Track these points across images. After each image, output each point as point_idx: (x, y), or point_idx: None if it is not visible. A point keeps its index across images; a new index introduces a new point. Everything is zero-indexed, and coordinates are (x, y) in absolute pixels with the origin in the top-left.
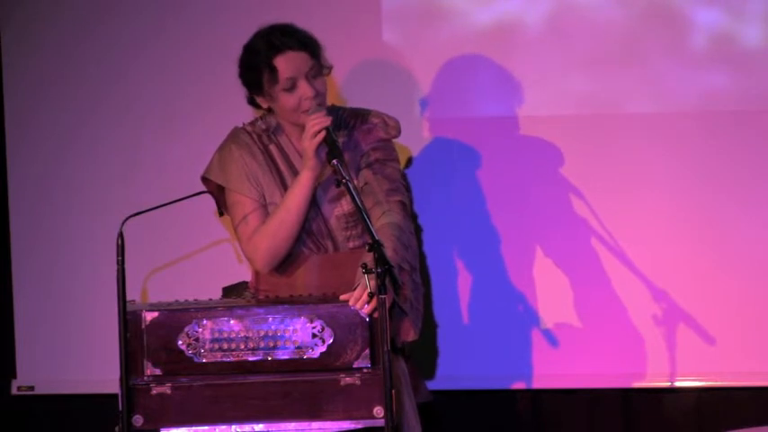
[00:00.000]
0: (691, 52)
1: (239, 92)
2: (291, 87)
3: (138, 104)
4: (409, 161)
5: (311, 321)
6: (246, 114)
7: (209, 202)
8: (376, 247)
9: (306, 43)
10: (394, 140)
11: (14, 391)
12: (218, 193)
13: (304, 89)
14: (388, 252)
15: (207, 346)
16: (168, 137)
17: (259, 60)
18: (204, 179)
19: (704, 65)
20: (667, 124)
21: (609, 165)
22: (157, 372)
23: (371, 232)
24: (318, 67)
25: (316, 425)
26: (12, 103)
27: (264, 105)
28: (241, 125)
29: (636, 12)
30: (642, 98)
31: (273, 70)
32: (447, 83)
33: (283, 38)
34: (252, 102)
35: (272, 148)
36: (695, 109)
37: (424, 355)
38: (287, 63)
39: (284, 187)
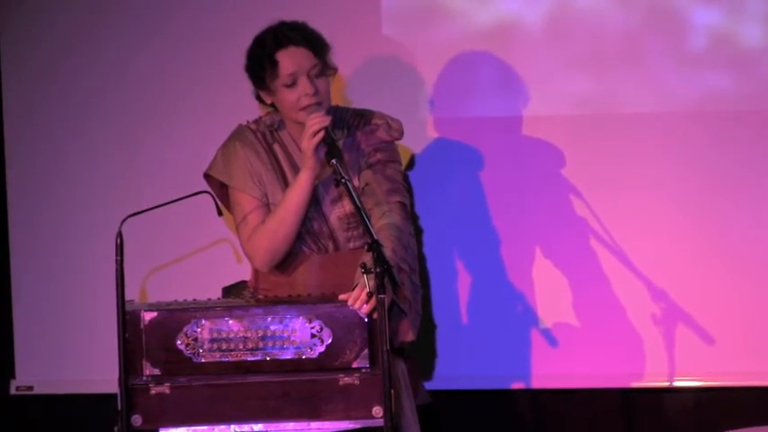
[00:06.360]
0: (691, 52)
1: (239, 92)
2: (292, 83)
3: (138, 104)
4: (412, 162)
5: (310, 321)
6: (247, 115)
7: (208, 201)
8: (375, 246)
9: (311, 41)
10: (396, 142)
11: (13, 391)
12: (221, 191)
13: (304, 86)
14: (387, 252)
15: (206, 346)
16: (168, 136)
17: (263, 53)
18: (207, 176)
19: (704, 65)
20: (667, 124)
21: (609, 165)
22: (156, 372)
23: (370, 232)
24: (322, 67)
25: (314, 425)
26: (11, 103)
27: (267, 101)
28: (245, 123)
29: (636, 12)
30: (642, 98)
31: (275, 64)
32: (447, 83)
33: (289, 33)
34: (258, 97)
35: (276, 147)
36: (695, 109)
37: (423, 355)
38: (289, 58)
39: (286, 187)
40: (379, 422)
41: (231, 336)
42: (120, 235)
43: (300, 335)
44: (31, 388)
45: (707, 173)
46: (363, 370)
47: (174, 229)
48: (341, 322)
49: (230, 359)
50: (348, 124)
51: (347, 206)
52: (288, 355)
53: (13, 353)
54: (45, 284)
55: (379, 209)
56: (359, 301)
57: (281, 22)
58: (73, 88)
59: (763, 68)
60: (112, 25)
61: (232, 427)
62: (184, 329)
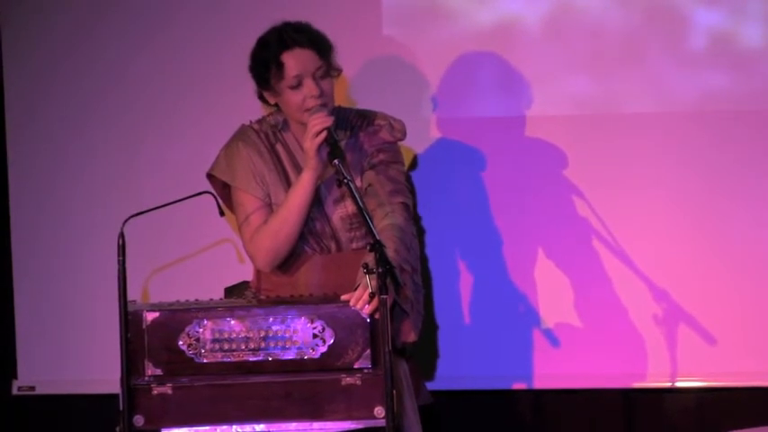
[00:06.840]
0: (691, 52)
1: (239, 92)
2: (297, 85)
3: (138, 104)
4: (415, 162)
5: (312, 322)
6: (248, 115)
7: (210, 201)
8: (377, 247)
9: (316, 42)
10: (399, 143)
11: (15, 391)
12: (223, 191)
13: (309, 87)
14: (390, 253)
15: (208, 347)
16: (168, 136)
17: (268, 55)
18: (210, 176)
19: (704, 65)
20: (667, 124)
21: (609, 165)
22: (158, 372)
23: (373, 232)
24: (326, 68)
25: (316, 425)
26: (12, 102)
27: (271, 101)
28: (248, 123)
29: (636, 12)
30: (642, 98)
31: (280, 66)
32: (448, 83)
33: (294, 34)
34: (261, 97)
35: (279, 147)
36: (695, 109)
37: (425, 355)
38: (294, 60)
39: (289, 187)
40: (381, 422)
41: (233, 336)
42: (122, 235)
43: (302, 335)
44: (32, 388)
45: (707, 173)
46: (365, 370)
47: (176, 230)
48: (343, 322)
49: (232, 359)
50: (351, 125)
51: (349, 206)
52: (290, 356)
53: (15, 353)
54: (47, 285)
55: (381, 209)
56: (361, 301)
57: (285, 22)
58: (73, 88)
59: (763, 68)
60: (112, 25)
61: (234, 427)
62: (186, 330)
